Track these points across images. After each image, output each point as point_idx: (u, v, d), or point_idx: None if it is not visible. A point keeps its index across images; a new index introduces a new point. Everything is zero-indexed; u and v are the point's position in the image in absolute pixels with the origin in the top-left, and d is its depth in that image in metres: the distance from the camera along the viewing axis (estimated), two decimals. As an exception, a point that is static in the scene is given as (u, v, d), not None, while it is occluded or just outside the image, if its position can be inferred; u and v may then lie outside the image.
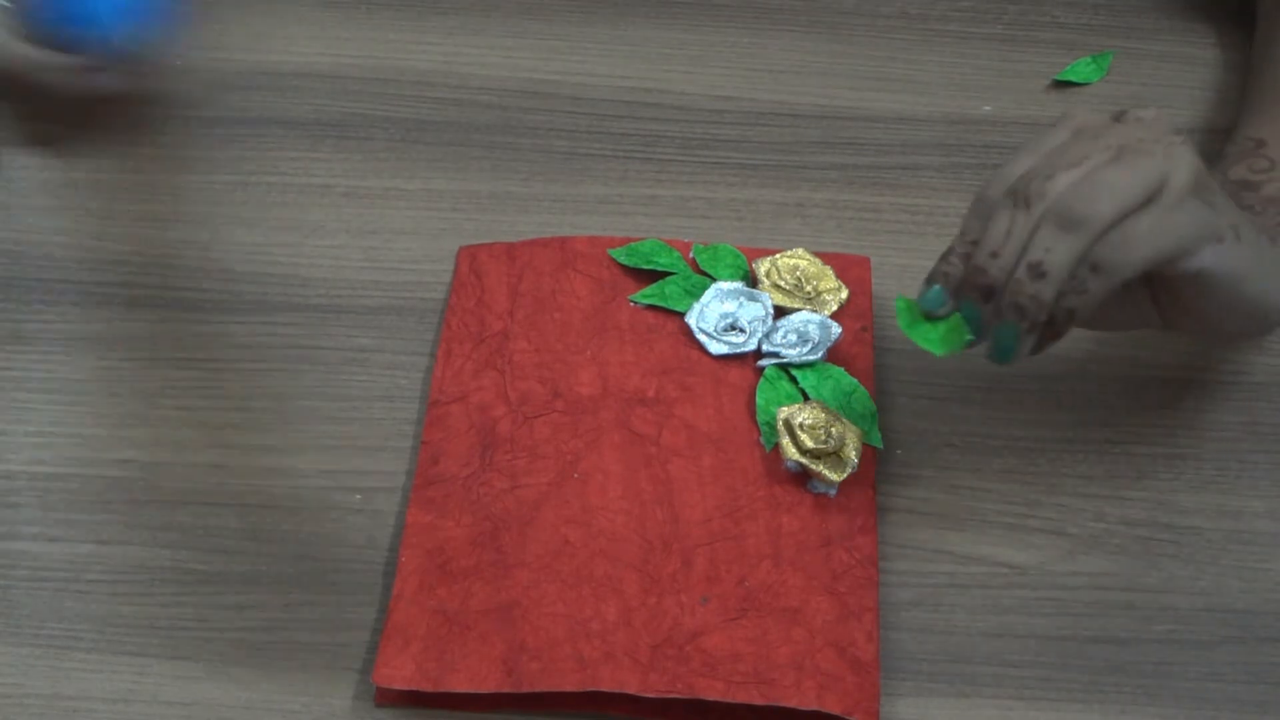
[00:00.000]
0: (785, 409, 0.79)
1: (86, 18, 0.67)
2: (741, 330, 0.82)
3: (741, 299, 0.83)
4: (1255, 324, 0.76)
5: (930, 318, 0.72)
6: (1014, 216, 0.69)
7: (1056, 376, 0.84)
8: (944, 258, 0.72)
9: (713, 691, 0.71)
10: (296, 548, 0.77)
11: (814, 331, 0.82)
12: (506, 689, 0.71)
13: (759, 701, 0.71)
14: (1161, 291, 0.74)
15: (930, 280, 0.72)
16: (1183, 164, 0.69)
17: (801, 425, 0.78)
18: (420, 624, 0.73)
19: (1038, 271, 0.68)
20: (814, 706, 0.71)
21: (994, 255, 0.70)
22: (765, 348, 0.82)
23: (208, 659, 0.74)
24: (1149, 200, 0.69)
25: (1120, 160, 0.69)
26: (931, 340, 0.72)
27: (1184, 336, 0.79)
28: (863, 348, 0.83)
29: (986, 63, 0.97)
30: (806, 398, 0.80)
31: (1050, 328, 0.70)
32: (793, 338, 0.82)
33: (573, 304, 0.84)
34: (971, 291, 0.70)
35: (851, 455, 0.78)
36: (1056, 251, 0.68)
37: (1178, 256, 0.69)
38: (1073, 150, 0.70)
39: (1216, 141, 0.93)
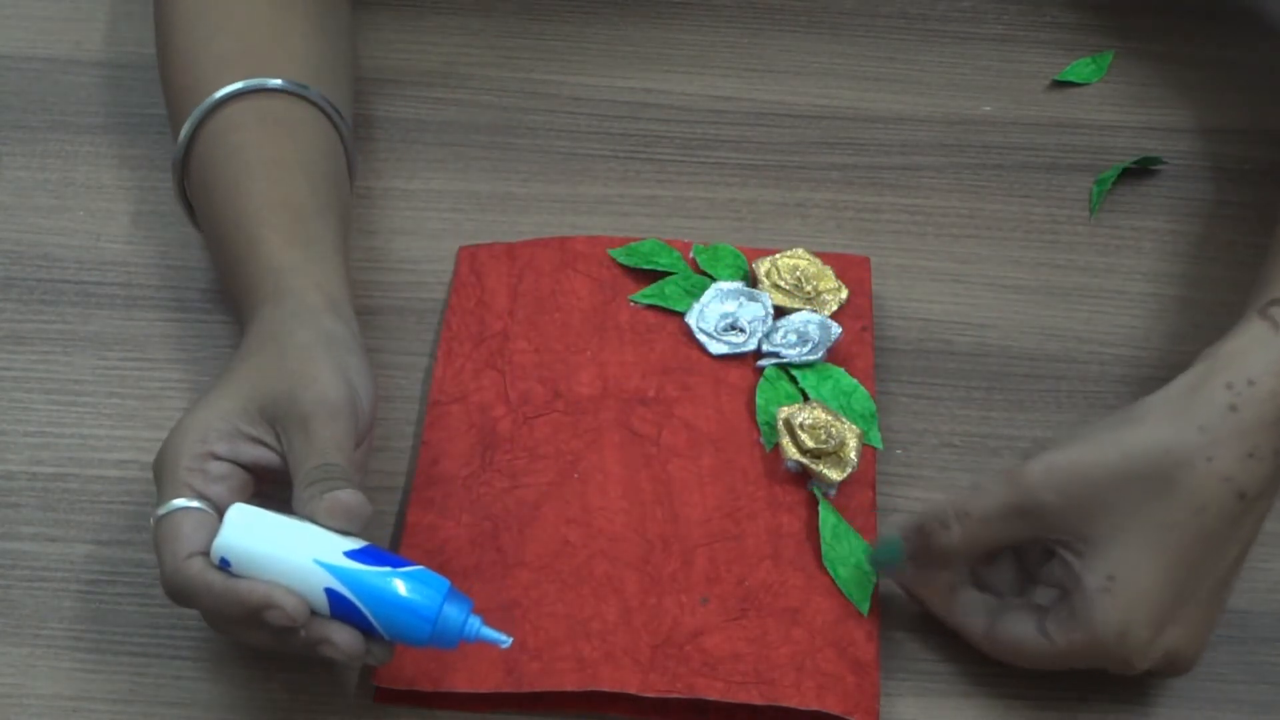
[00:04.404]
0: (785, 409, 0.79)
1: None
2: (741, 330, 0.82)
3: (741, 299, 0.83)
4: None
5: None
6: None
7: (1057, 376, 0.84)
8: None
9: (713, 691, 0.71)
10: (296, 548, 0.77)
11: (814, 331, 0.82)
12: (506, 689, 0.71)
13: (759, 701, 0.71)
14: None
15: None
16: None
17: (801, 425, 0.78)
18: (420, 624, 0.73)
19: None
20: (814, 706, 0.71)
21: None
22: (765, 348, 0.82)
23: (208, 659, 0.74)
24: None
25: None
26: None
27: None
28: (863, 348, 0.82)
29: (986, 63, 0.97)
30: (806, 398, 0.80)
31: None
32: (793, 338, 0.82)
33: (573, 304, 0.84)
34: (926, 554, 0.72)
35: (851, 455, 0.78)
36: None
37: None
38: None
39: (1216, 142, 0.93)
